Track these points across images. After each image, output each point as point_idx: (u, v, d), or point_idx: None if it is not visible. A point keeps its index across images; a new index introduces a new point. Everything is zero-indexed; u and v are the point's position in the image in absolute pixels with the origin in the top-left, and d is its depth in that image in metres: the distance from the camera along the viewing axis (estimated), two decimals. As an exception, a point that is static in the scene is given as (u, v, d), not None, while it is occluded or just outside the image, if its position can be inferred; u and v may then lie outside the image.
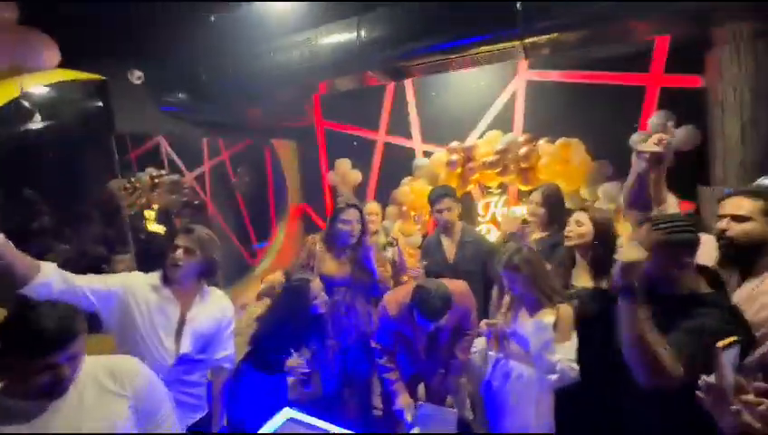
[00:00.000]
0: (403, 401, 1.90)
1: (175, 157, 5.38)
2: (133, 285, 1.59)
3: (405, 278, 2.95)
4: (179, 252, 1.61)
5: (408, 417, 1.85)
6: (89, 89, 2.53)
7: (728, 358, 0.93)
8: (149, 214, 5.11)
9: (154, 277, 1.65)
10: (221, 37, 2.66)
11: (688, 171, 2.56)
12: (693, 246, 1.25)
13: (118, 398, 1.12)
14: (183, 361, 1.64)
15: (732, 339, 0.95)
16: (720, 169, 2.30)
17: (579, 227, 1.76)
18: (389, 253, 2.56)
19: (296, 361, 1.93)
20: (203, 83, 2.86)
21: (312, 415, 1.87)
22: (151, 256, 1.70)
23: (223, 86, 2.82)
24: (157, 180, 4.94)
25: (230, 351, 1.84)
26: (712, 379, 0.93)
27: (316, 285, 1.94)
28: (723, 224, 1.36)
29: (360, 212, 2.28)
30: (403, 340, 2.04)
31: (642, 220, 1.36)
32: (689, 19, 1.84)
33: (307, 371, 1.92)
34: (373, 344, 2.06)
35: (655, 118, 2.60)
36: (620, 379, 1.38)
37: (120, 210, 3.14)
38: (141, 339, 1.57)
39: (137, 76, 2.65)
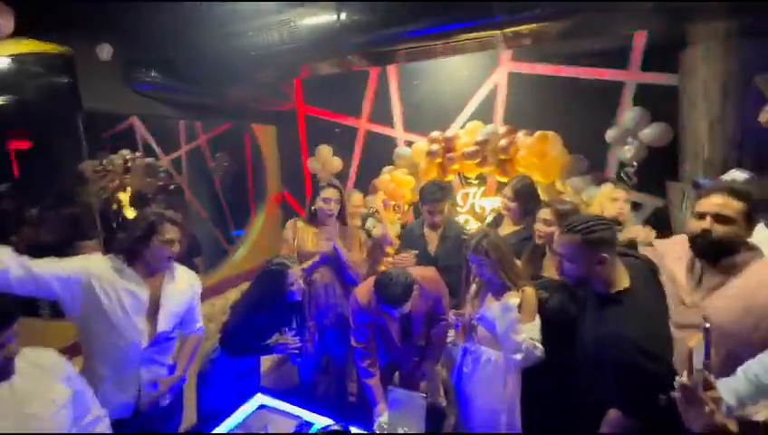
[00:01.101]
0: (382, 409, 1.90)
1: (150, 139, 5.20)
2: (95, 269, 1.54)
3: (388, 260, 2.94)
4: (177, 245, 1.62)
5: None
6: (53, 62, 2.38)
7: (698, 357, 0.95)
8: (123, 197, 4.94)
9: (115, 259, 1.61)
10: (197, 13, 2.55)
11: (659, 167, 2.65)
12: (609, 243, 1.31)
13: (57, 383, 1.16)
14: (157, 340, 1.65)
15: (699, 337, 0.97)
16: (689, 165, 2.37)
17: (547, 227, 1.80)
18: (370, 224, 2.53)
19: (285, 338, 1.94)
20: (178, 62, 2.74)
21: (285, 401, 1.88)
22: (129, 241, 1.64)
23: (199, 66, 2.72)
24: (130, 163, 4.76)
25: (201, 322, 1.90)
26: (685, 379, 0.94)
27: (295, 271, 1.93)
28: (705, 224, 1.30)
29: (341, 192, 2.30)
30: (379, 330, 2.05)
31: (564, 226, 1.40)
32: (666, 15, 1.87)
33: (298, 345, 1.94)
34: (353, 344, 2.04)
35: (630, 114, 2.66)
36: (581, 363, 1.45)
37: (89, 193, 3.02)
38: (110, 323, 1.54)
39: (106, 51, 2.52)
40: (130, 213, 4.61)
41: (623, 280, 1.34)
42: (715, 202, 1.30)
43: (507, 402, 1.71)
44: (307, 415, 1.79)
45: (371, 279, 2.02)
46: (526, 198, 2.36)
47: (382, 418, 1.68)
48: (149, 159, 4.95)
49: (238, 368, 1.99)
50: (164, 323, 1.64)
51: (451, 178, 3.36)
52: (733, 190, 1.30)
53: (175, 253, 1.64)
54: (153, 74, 2.85)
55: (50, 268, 1.45)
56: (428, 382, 2.14)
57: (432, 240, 2.54)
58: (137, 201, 4.58)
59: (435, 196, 2.43)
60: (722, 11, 1.94)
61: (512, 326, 1.60)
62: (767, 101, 1.21)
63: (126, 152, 4.83)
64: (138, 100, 2.93)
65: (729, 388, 1.09)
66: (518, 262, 1.89)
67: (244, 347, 1.94)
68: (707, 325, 0.98)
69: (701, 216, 1.32)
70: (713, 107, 2.16)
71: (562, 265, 1.38)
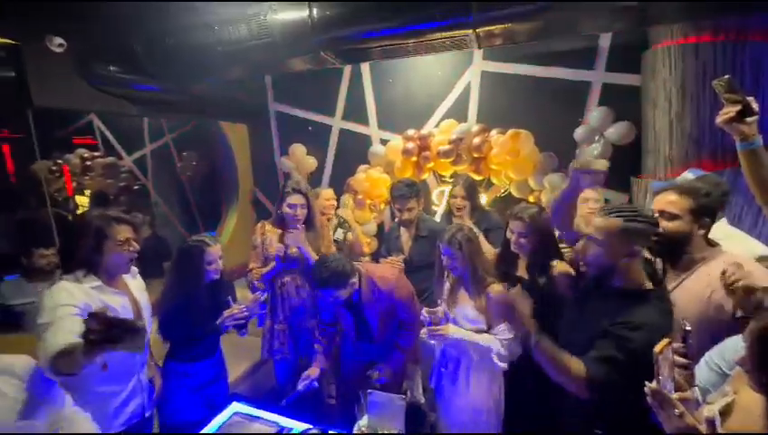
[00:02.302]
0: (309, 371, 1.96)
1: (111, 137, 4.93)
2: (84, 297, 1.44)
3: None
4: (135, 245, 1.55)
5: (300, 386, 1.90)
6: (-3, 55, 2.21)
7: (665, 360, 0.97)
8: (82, 200, 4.66)
9: (82, 277, 1.49)
10: (158, 4, 2.41)
11: (624, 164, 2.76)
12: (645, 238, 1.28)
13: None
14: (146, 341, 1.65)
15: (666, 341, 0.99)
16: (651, 161, 2.49)
17: (521, 238, 1.77)
18: (340, 234, 2.54)
19: (231, 310, 1.86)
20: (138, 56, 2.60)
21: (261, 407, 1.82)
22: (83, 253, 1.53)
23: (161, 60, 2.58)
24: (89, 162, 4.49)
25: None
26: (654, 384, 0.95)
27: (214, 250, 1.84)
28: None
29: (307, 197, 2.27)
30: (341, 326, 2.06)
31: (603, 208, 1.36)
32: (628, 17, 1.94)
33: (245, 314, 1.87)
34: (319, 320, 2.10)
35: (596, 113, 2.75)
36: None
37: (43, 196, 2.82)
38: None
39: (57, 43, 2.34)
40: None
41: (645, 279, 1.31)
42: (663, 199, 1.39)
43: (488, 402, 1.73)
44: (284, 421, 1.74)
45: None
46: (474, 195, 2.51)
47: (362, 421, 1.66)
48: (110, 159, 4.69)
49: (198, 378, 1.90)
50: (148, 320, 1.66)
51: (426, 176, 3.37)
52: (681, 188, 1.38)
53: (134, 253, 1.56)
54: (112, 68, 2.69)
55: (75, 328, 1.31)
56: (407, 381, 2.13)
57: (406, 241, 2.56)
58: (98, 203, 4.33)
59: (401, 193, 2.46)
60: (681, 14, 2.04)
61: (492, 346, 1.65)
62: (723, 104, 1.24)
63: (84, 151, 4.56)
64: (96, 95, 2.75)
65: (697, 378, 1.14)
66: (490, 249, 1.92)
67: (188, 338, 1.83)
68: (688, 328, 1.01)
69: (654, 213, 1.40)
70: (672, 106, 2.27)
71: (589, 252, 1.32)
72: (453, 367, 1.85)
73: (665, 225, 1.36)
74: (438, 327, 1.70)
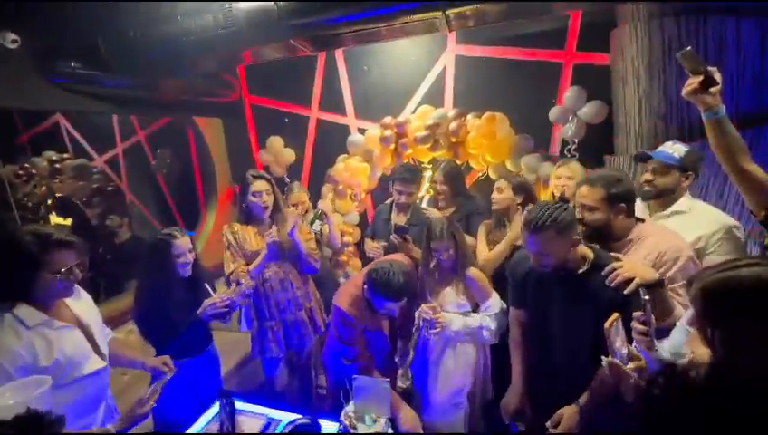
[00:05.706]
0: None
1: (80, 138, 4.74)
2: (32, 349, 1.23)
3: (344, 258, 2.92)
4: (77, 274, 1.31)
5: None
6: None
7: (616, 334, 1.01)
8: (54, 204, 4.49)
9: (22, 312, 1.24)
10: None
11: (597, 142, 2.81)
12: (575, 223, 1.33)
13: None
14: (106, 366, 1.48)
15: (615, 316, 1.03)
16: (623, 139, 2.54)
17: (500, 194, 1.91)
18: (317, 226, 2.51)
19: (212, 298, 1.81)
20: (100, 51, 2.49)
21: (251, 401, 1.82)
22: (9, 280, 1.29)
23: (125, 54, 2.48)
24: (58, 165, 4.32)
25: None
26: (609, 358, 1.00)
27: (183, 242, 1.78)
28: (577, 212, 1.47)
29: (271, 183, 2.18)
30: (368, 341, 1.93)
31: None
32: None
33: (226, 302, 1.82)
34: (346, 362, 1.92)
35: (569, 93, 2.78)
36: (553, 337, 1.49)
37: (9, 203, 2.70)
38: (69, 381, 1.31)
39: (11, 39, 2.22)
40: (60, 220, 4.20)
41: (587, 250, 1.39)
42: (580, 193, 1.47)
43: (479, 376, 1.83)
44: (273, 413, 1.75)
45: (348, 285, 1.94)
46: (455, 179, 2.50)
47: (348, 407, 1.68)
48: (80, 160, 4.52)
49: (186, 376, 1.84)
50: (104, 344, 1.47)
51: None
52: (591, 181, 1.45)
53: (75, 282, 1.33)
54: (73, 65, 2.57)
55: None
56: (401, 367, 2.15)
57: (396, 224, 2.55)
58: (62, 207, 4.16)
59: (403, 175, 2.50)
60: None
61: (483, 323, 1.72)
62: (688, 76, 1.27)
63: (51, 154, 4.38)
64: (59, 94, 2.64)
65: (670, 343, 1.20)
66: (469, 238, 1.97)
67: (168, 335, 1.77)
68: (647, 297, 1.05)
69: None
70: (640, 84, 2.31)
71: (541, 262, 1.37)
72: (439, 349, 1.90)
73: (585, 216, 1.44)
74: (437, 316, 1.73)
